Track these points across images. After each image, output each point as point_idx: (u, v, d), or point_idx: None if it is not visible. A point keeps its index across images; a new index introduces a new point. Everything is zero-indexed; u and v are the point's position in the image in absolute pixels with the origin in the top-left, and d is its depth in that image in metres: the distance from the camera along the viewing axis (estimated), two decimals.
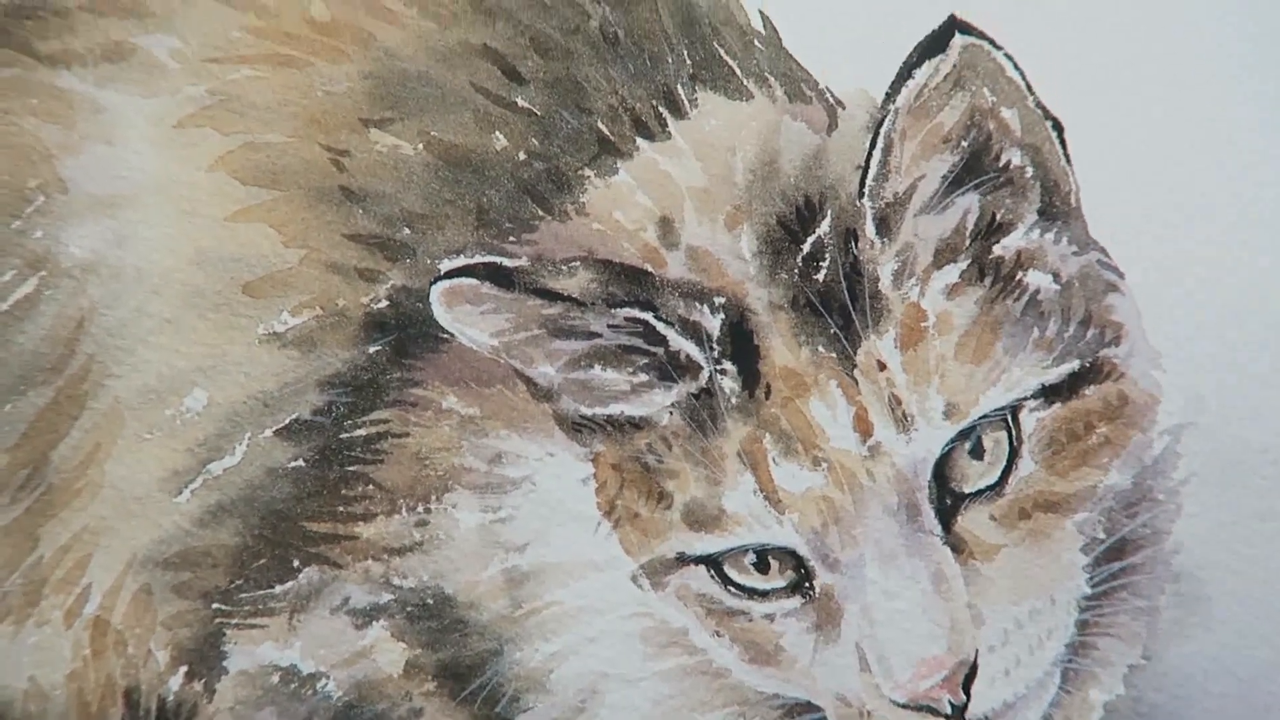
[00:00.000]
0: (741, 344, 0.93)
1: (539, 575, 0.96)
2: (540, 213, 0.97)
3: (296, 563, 0.98)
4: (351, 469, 0.97)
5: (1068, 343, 0.94)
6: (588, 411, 0.95)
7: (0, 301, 0.98)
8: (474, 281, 0.92)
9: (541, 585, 0.96)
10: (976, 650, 0.91)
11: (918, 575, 0.91)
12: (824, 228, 0.94)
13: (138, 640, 0.98)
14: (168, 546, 0.98)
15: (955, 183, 0.94)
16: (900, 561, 0.91)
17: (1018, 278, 0.95)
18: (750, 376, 0.93)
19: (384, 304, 0.97)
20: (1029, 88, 0.95)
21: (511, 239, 0.97)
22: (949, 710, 0.91)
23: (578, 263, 0.93)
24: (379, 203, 0.97)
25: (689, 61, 0.99)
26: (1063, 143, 0.96)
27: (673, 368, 0.93)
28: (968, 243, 0.95)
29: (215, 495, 0.97)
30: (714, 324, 0.93)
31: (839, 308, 0.93)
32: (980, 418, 0.92)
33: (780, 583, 0.93)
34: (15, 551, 0.98)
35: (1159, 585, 0.97)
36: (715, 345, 0.93)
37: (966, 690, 0.91)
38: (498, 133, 0.98)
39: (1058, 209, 0.96)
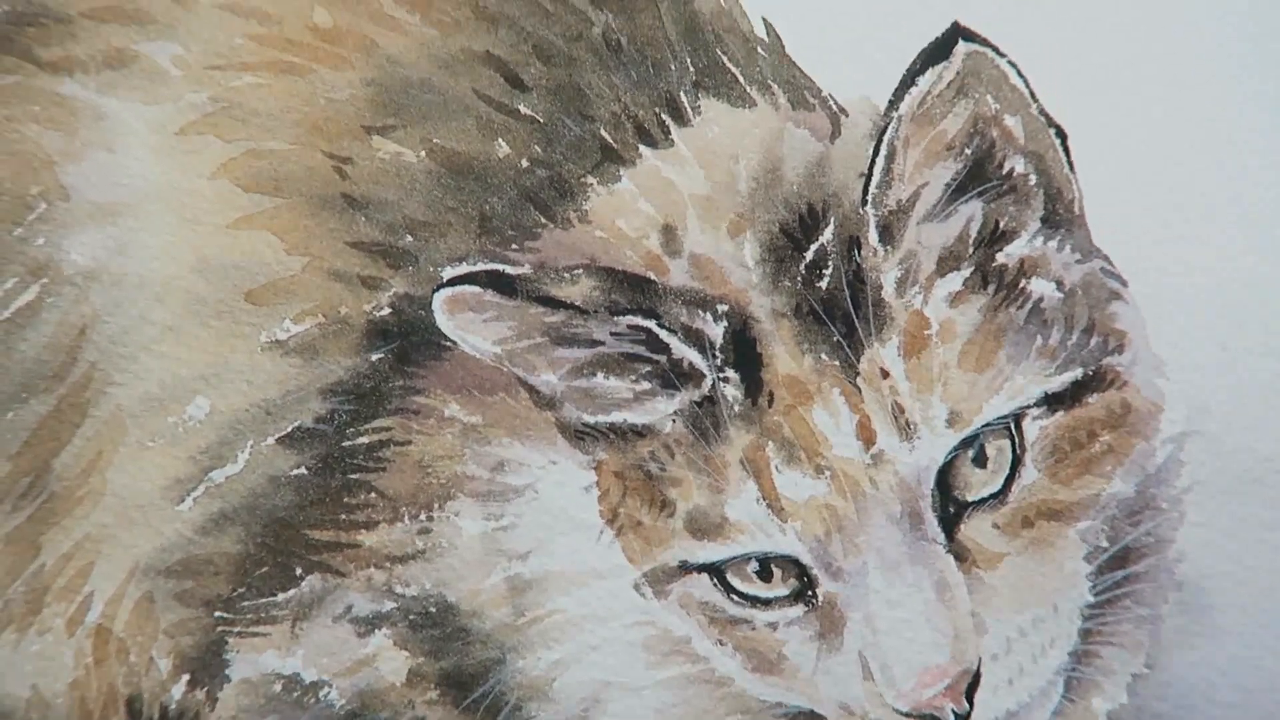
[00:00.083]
0: (744, 352, 0.93)
1: (541, 583, 0.96)
2: (543, 220, 0.97)
3: (299, 571, 0.98)
4: (354, 477, 0.97)
5: (1071, 351, 0.94)
6: (590, 419, 0.95)
7: (2, 309, 0.98)
8: (476, 289, 0.92)
9: (544, 593, 0.96)
10: (979, 659, 0.91)
11: (921, 584, 0.91)
12: (827, 235, 0.94)
13: (140, 648, 0.99)
14: (170, 554, 0.98)
15: (958, 190, 0.94)
16: (903, 570, 0.91)
17: (1021, 286, 0.94)
18: (753, 384, 0.93)
19: (386, 311, 0.97)
20: (1032, 95, 0.95)
21: (514, 246, 0.97)
22: (952, 719, 0.91)
23: (580, 270, 0.93)
24: (381, 210, 0.97)
25: (692, 69, 0.99)
26: (1066, 150, 0.96)
27: (675, 375, 0.93)
28: (971, 250, 0.94)
29: (217, 503, 0.97)
30: (717, 332, 0.93)
31: (842, 315, 0.93)
32: (983, 426, 0.92)
33: (783, 591, 0.93)
34: (17, 559, 0.98)
35: (1162, 594, 0.97)
36: (718, 353, 0.93)
37: (969, 699, 0.91)
38: (500, 140, 0.98)
39: (1061, 217, 0.96)
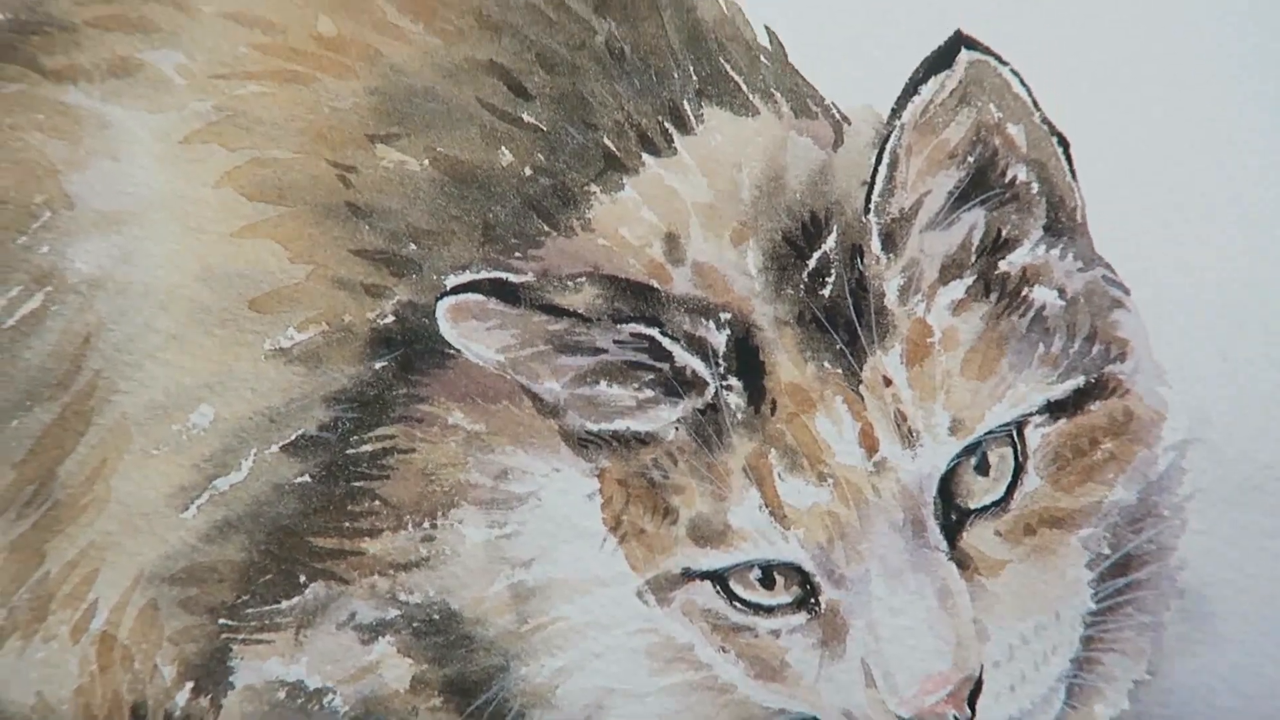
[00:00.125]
0: (747, 360, 0.93)
1: (545, 591, 0.96)
2: (546, 228, 0.97)
3: (303, 578, 0.98)
4: (358, 485, 0.97)
5: (1073, 359, 0.94)
6: (593, 427, 0.95)
7: (7, 317, 0.98)
8: (480, 297, 0.92)
9: (547, 601, 0.96)
10: (981, 666, 0.92)
11: (923, 591, 0.91)
12: (830, 243, 0.94)
13: (144, 655, 0.99)
14: (174, 562, 0.98)
15: (961, 198, 0.94)
16: (905, 577, 0.91)
17: (1023, 294, 0.95)
18: (756, 392, 0.93)
19: (390, 320, 0.97)
20: (1035, 103, 0.95)
21: (517, 255, 0.97)
22: None
23: (584, 278, 0.93)
24: (385, 218, 0.97)
25: (695, 77, 0.99)
26: (1068, 158, 0.96)
27: (678, 383, 0.93)
28: (973, 258, 0.95)
29: (222, 511, 0.98)
30: (720, 340, 0.93)
31: (844, 323, 0.93)
32: (985, 433, 0.92)
33: (786, 598, 0.93)
34: (22, 567, 0.98)
35: (1164, 601, 0.98)
36: (721, 361, 0.93)
37: (972, 706, 0.92)
38: (504, 148, 0.98)
39: (1063, 225, 0.97)
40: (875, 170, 0.93)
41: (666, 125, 0.98)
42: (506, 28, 0.99)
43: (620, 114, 0.98)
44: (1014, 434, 0.93)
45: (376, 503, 0.97)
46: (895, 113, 0.93)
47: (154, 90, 0.98)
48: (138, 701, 0.99)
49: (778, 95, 1.00)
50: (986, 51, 0.93)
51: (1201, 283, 1.01)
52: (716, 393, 0.93)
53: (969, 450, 0.92)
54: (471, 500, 0.97)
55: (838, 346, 0.93)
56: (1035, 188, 0.96)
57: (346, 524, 0.97)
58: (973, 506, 0.93)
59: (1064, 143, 0.96)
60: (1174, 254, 1.01)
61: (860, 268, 0.93)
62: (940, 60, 0.93)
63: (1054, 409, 0.94)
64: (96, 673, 0.98)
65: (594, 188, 0.97)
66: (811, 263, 0.94)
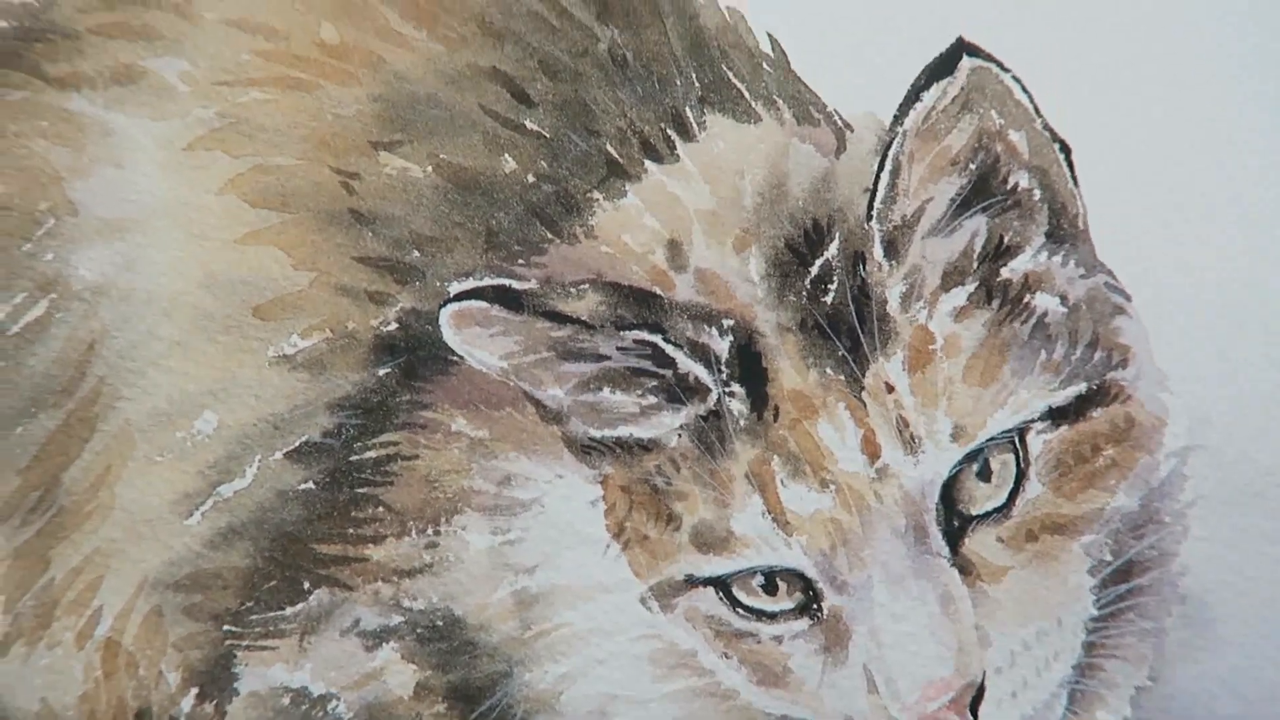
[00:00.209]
0: (750, 366, 0.93)
1: (548, 597, 0.96)
2: (549, 235, 0.97)
3: (307, 585, 0.98)
4: (361, 491, 0.97)
5: (1075, 365, 0.95)
6: (596, 434, 0.95)
7: (11, 324, 0.98)
8: (483, 304, 0.92)
9: (551, 607, 0.96)
10: (984, 672, 0.92)
11: (925, 597, 0.91)
12: (832, 250, 0.94)
13: (149, 662, 0.99)
14: (178, 569, 0.98)
15: (963, 205, 0.95)
16: (908, 583, 0.92)
17: (1025, 300, 0.95)
18: (758, 399, 0.93)
19: (393, 327, 0.97)
20: (1036, 110, 0.95)
21: (520, 262, 0.97)
22: None
23: (586, 285, 0.93)
24: (388, 225, 0.98)
25: (697, 84, 0.99)
26: (1070, 165, 0.96)
27: (681, 390, 0.94)
28: (975, 265, 0.95)
29: (226, 517, 0.98)
30: (722, 346, 0.93)
31: (847, 330, 0.93)
32: (988, 440, 0.92)
33: (788, 605, 0.94)
34: (27, 574, 0.98)
35: (1166, 607, 0.98)
36: (724, 367, 0.93)
37: (974, 712, 0.92)
38: (507, 155, 0.98)
39: (1065, 231, 0.97)
40: (877, 177, 0.93)
41: (669, 132, 0.98)
42: (509, 35, 0.99)
43: (623, 121, 0.98)
44: (1016, 440, 0.93)
45: (380, 509, 0.97)
46: (897, 120, 0.93)
47: (157, 97, 0.98)
48: (142, 708, 1.00)
49: (780, 102, 1.00)
50: (988, 58, 0.93)
51: (1201, 283, 1.01)
52: (719, 399, 0.93)
53: (971, 457, 0.92)
54: (475, 506, 0.97)
55: (840, 353, 0.93)
56: (1037, 194, 0.96)
57: (350, 530, 0.97)
58: (975, 513, 0.93)
59: (1066, 149, 0.96)
60: (1174, 254, 1.01)
61: (862, 274, 0.93)
62: (942, 67, 0.93)
63: (1056, 415, 0.94)
64: (101, 679, 0.99)
65: (597, 195, 0.98)
66: (814, 269, 0.94)
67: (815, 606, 0.93)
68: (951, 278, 0.94)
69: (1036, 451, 0.93)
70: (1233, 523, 0.99)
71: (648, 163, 0.98)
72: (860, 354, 0.93)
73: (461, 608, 0.97)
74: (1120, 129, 1.03)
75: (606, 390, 0.94)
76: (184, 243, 0.98)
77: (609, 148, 0.98)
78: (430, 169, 0.98)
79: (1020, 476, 0.93)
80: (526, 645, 0.97)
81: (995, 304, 0.94)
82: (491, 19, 0.99)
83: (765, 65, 1.01)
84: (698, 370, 0.93)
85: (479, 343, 0.93)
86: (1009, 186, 0.95)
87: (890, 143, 0.92)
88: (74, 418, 0.97)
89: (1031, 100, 0.95)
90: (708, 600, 0.94)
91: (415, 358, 0.97)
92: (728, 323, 0.93)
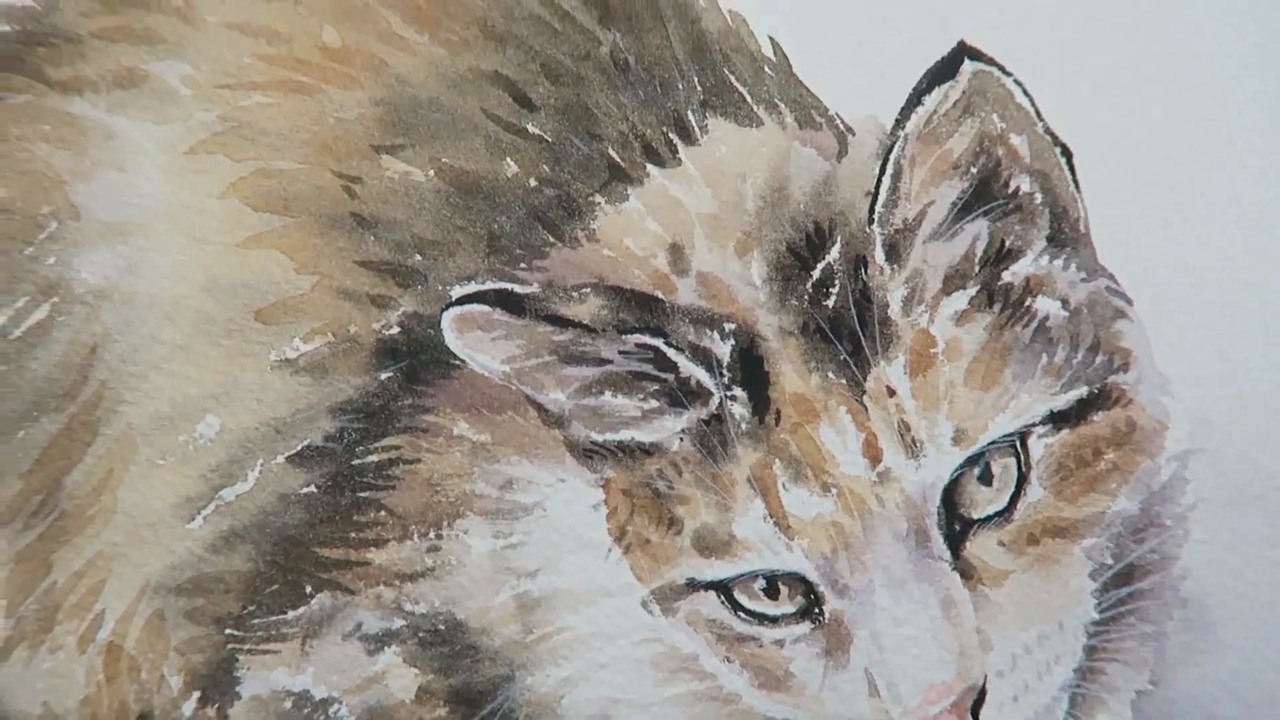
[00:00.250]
0: (752, 370, 0.93)
1: (550, 601, 0.96)
2: (551, 239, 0.97)
3: (309, 588, 0.98)
4: (363, 495, 0.97)
5: (1076, 369, 0.95)
6: (598, 437, 0.95)
7: (13, 328, 0.98)
8: (485, 308, 0.92)
9: (553, 611, 0.96)
10: (985, 676, 0.92)
11: (927, 601, 0.91)
12: (834, 254, 0.94)
13: (151, 666, 0.99)
14: (180, 572, 0.98)
15: (964, 209, 0.95)
16: (909, 587, 0.92)
17: (1027, 304, 0.95)
18: (760, 402, 0.93)
19: (395, 330, 0.97)
20: (1038, 113, 0.95)
21: (522, 265, 0.97)
22: None
23: (588, 289, 0.93)
24: (390, 229, 0.98)
25: (699, 88, 0.99)
26: (1071, 169, 0.96)
27: (683, 394, 0.94)
28: (977, 269, 0.95)
29: (228, 521, 0.98)
30: (724, 350, 0.93)
31: (849, 334, 0.93)
32: (989, 444, 0.92)
33: (790, 608, 0.94)
34: (29, 577, 0.98)
35: (1167, 611, 0.98)
36: (725, 371, 0.93)
37: (975, 715, 0.92)
38: (509, 159, 0.98)
39: (1066, 235, 0.97)
40: (879, 181, 0.93)
41: (671, 136, 0.98)
42: (511, 38, 0.99)
43: (625, 125, 0.98)
44: (1017, 444, 0.93)
45: (382, 513, 0.97)
46: (899, 123, 0.93)
47: (159, 101, 0.98)
48: (144, 712, 1.00)
49: (782, 106, 1.00)
50: (990, 62, 0.93)
51: (1202, 285, 1.01)
52: (721, 403, 0.93)
53: (972, 461, 0.92)
54: (477, 510, 0.97)
55: (842, 357, 0.93)
56: (1038, 198, 0.96)
57: (352, 534, 0.97)
58: (976, 517, 0.93)
59: (1067, 153, 0.96)
60: (1174, 253, 1.01)
61: (864, 278, 0.93)
62: (944, 71, 0.93)
63: (1057, 419, 0.94)
64: (103, 683, 0.99)
65: (599, 198, 0.98)
66: (816, 273, 0.94)
67: (817, 610, 0.93)
68: (953, 281, 0.94)
69: (1038, 455, 0.93)
70: (1234, 526, 0.99)
71: (649, 166, 0.98)
72: (862, 358, 0.93)
73: (463, 611, 0.97)
74: (1120, 129, 1.03)
75: (608, 394, 0.94)
76: (186, 246, 0.98)
77: (611, 151, 0.98)
78: (432, 173, 0.98)
79: (1021, 480, 0.93)
80: (528, 649, 0.97)
81: (996, 308, 0.94)
82: (493, 23, 0.99)
83: (767, 69, 1.01)
84: (699, 374, 0.93)
85: (481, 346, 0.93)
86: (1010, 190, 0.95)
87: (892, 146, 0.92)
88: (76, 421, 0.97)
89: (1033, 104, 0.95)
90: (709, 604, 0.94)
91: (417, 361, 0.97)
92: (729, 326, 0.93)
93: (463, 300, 0.93)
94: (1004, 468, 0.93)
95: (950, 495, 0.92)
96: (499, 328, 0.92)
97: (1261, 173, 1.03)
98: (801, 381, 0.93)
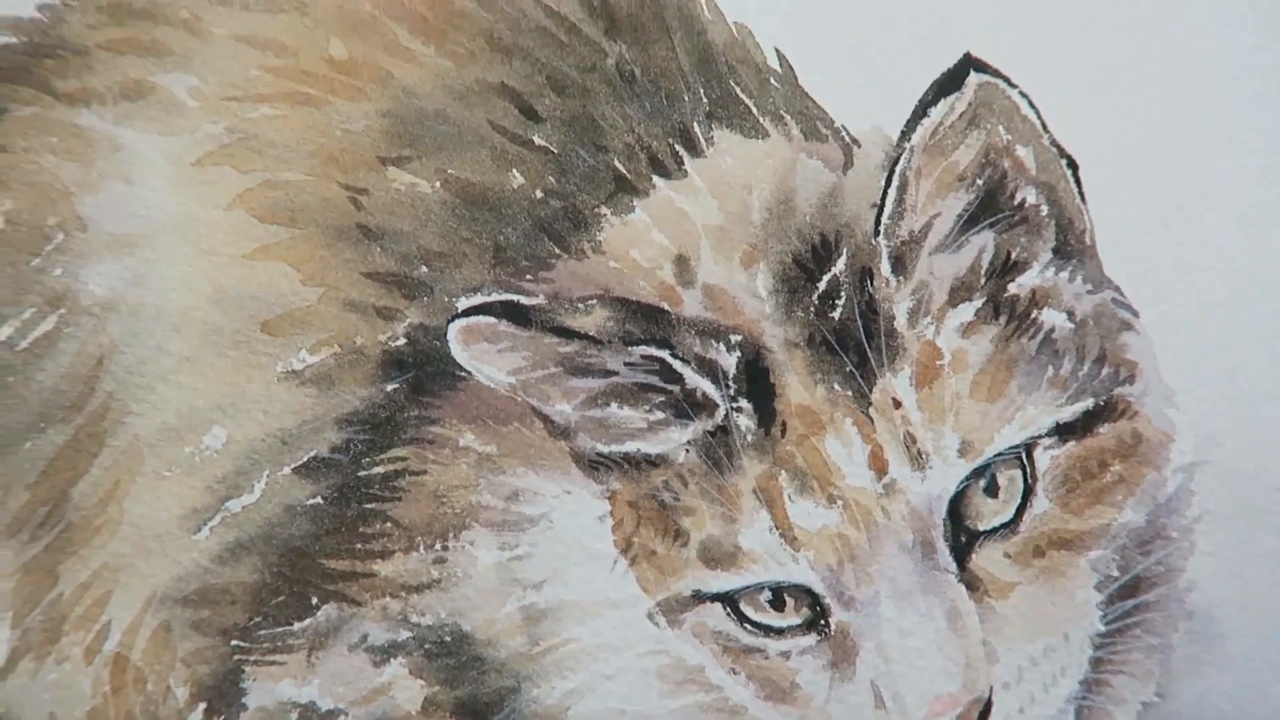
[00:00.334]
0: (757, 382, 0.93)
1: (556, 612, 0.96)
2: (557, 251, 0.97)
3: (315, 600, 0.98)
4: (369, 506, 0.97)
5: (1082, 381, 0.95)
6: (604, 449, 0.95)
7: (20, 339, 0.98)
8: (491, 319, 0.92)
9: (559, 623, 0.96)
10: (991, 687, 0.92)
11: (933, 613, 0.91)
12: (839, 266, 0.94)
13: (157, 677, 0.99)
14: (187, 584, 0.98)
15: (970, 221, 0.95)
16: (915, 599, 0.92)
17: (1033, 316, 0.95)
18: (766, 414, 0.93)
19: (402, 342, 0.97)
20: (1044, 125, 0.95)
21: (529, 277, 0.97)
22: None
23: (594, 301, 0.93)
24: (397, 241, 0.98)
25: (705, 100, 0.99)
26: (1077, 181, 0.96)
27: (689, 405, 0.94)
28: (983, 281, 0.95)
29: (234, 533, 0.98)
30: (730, 362, 0.93)
31: (854, 346, 0.93)
32: (995, 455, 0.93)
33: (796, 620, 0.94)
34: (35, 588, 0.98)
35: (1173, 623, 0.98)
36: (731, 383, 0.93)
37: None
38: (515, 171, 0.98)
39: (1072, 247, 0.97)
40: (885, 193, 0.93)
41: (677, 148, 0.98)
42: (517, 50, 0.99)
43: (631, 136, 0.98)
44: (1023, 456, 0.93)
45: (388, 524, 0.97)
46: (905, 135, 0.93)
47: (166, 113, 0.99)
48: None
49: (788, 118, 1.00)
50: (996, 74, 0.93)
51: (1202, 284, 1.01)
52: (727, 415, 0.93)
53: (978, 472, 0.93)
54: (483, 522, 0.97)
55: (847, 369, 0.93)
56: (1044, 210, 0.96)
57: (358, 546, 0.97)
58: (982, 528, 0.93)
59: (1073, 165, 0.96)
60: (1173, 254, 1.01)
61: (870, 290, 0.93)
62: (950, 83, 0.93)
63: (1063, 431, 0.94)
64: (109, 694, 0.99)
65: (605, 210, 0.98)
66: (821, 285, 0.94)
67: (823, 622, 0.93)
68: (959, 293, 0.94)
69: (1044, 467, 0.94)
70: (1239, 538, 0.99)
71: (655, 178, 0.98)
72: (867, 369, 0.93)
73: (469, 623, 0.97)
74: (1120, 130, 1.03)
75: (614, 405, 0.94)
76: (193, 258, 0.98)
77: (617, 163, 0.98)
78: (438, 184, 0.98)
79: (1027, 492, 0.93)
80: (534, 660, 0.97)
81: (1003, 320, 0.94)
82: (500, 35, 0.99)
83: (773, 81, 1.01)
84: (705, 386, 0.93)
85: (487, 358, 0.93)
86: (1016, 202, 0.95)
87: (898, 158, 0.92)
88: (82, 433, 0.98)
89: (1039, 116, 0.95)
90: (715, 616, 0.94)
91: (423, 373, 0.97)
92: (735, 338, 0.93)
93: (469, 312, 0.93)
94: (1010, 480, 0.93)
95: (956, 507, 0.93)
96: (505, 339, 0.93)
97: (1261, 170, 1.03)
98: (807, 393, 0.93)
